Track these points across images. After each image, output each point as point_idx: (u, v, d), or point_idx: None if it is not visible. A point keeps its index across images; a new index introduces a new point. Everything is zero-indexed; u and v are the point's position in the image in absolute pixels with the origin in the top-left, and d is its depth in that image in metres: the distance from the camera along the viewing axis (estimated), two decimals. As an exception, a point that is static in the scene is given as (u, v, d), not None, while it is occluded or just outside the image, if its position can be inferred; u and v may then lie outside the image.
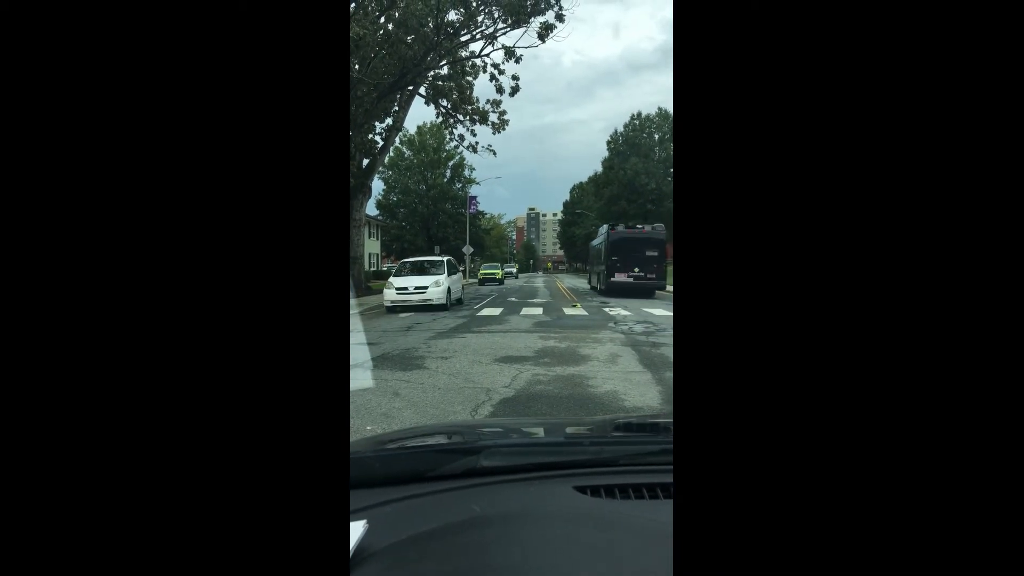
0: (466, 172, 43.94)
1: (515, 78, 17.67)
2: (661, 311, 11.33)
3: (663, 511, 0.67)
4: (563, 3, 16.66)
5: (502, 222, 75.61)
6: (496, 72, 17.65)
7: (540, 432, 1.29)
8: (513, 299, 17.19)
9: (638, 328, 8.76)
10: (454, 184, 43.87)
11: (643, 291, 16.82)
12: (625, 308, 12.35)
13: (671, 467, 0.53)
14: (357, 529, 0.63)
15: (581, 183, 66.29)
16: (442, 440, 1.15)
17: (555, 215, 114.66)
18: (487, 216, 58.50)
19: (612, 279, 17.07)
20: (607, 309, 12.03)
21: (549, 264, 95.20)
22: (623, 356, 6.17)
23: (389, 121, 18.36)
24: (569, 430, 1.34)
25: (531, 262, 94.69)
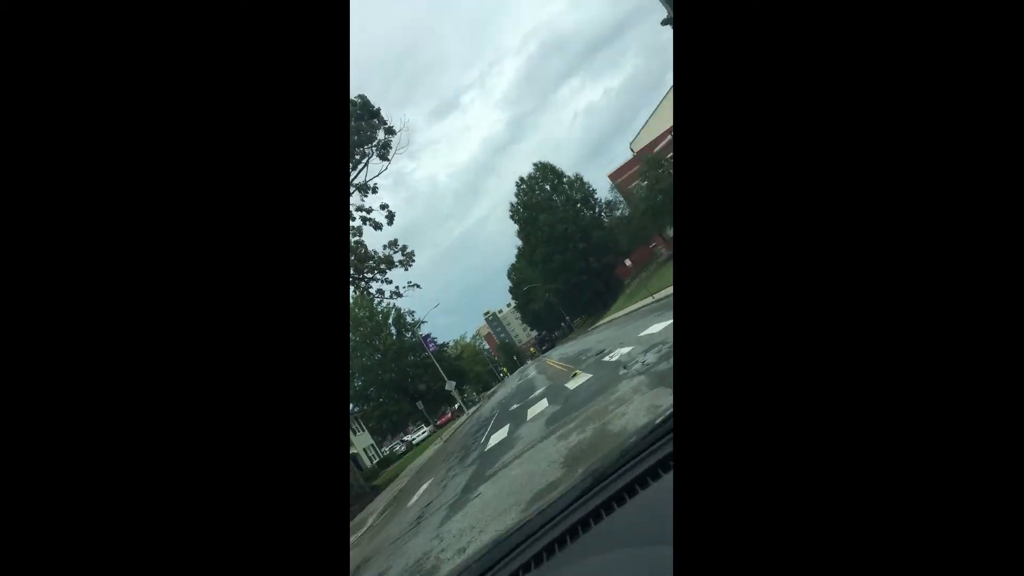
0: (408, 319, 42.93)
1: (384, 207, 17.06)
2: (656, 327, 9.98)
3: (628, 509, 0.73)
4: (385, 120, 16.44)
5: (468, 340, 74.19)
6: (364, 216, 17.04)
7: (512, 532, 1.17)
8: (515, 406, 15.58)
9: (650, 358, 7.33)
10: (403, 336, 42.62)
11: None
12: (621, 343, 10.95)
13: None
14: None
15: (513, 264, 66.49)
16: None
17: (509, 305, 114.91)
18: (451, 345, 57.18)
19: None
20: (606, 357, 10.58)
21: (532, 349, 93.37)
22: (659, 395, 4.73)
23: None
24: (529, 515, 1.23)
25: (515, 358, 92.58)
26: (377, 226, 17.41)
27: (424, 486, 10.41)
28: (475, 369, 66.38)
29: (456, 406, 31.80)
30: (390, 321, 42.14)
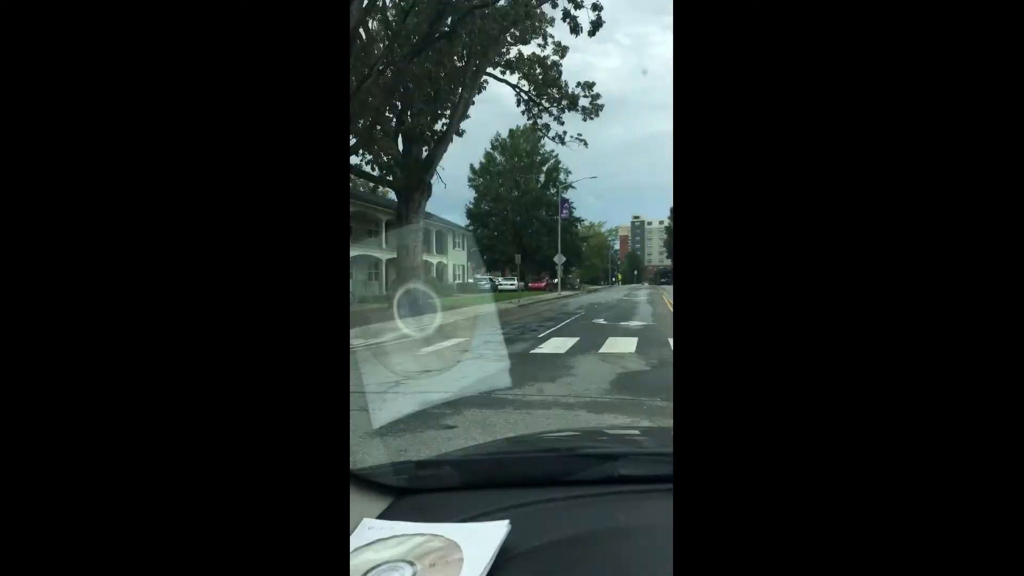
0: (561, 176, 40.44)
1: (596, 8, 13.61)
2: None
3: None
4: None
5: (603, 230, 71.14)
6: (572, 6, 13.69)
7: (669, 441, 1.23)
8: (601, 320, 13.28)
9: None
10: (548, 189, 40.50)
11: None
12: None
13: None
14: (500, 529, 0.63)
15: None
16: (580, 443, 1.15)
17: (661, 222, 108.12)
18: (585, 223, 54.53)
19: None
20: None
21: (654, 275, 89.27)
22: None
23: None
24: None
25: (635, 273, 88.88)
26: (575, 28, 14.14)
27: (449, 342, 8.71)
28: (593, 260, 64.14)
29: (555, 280, 30.29)
30: (545, 168, 39.89)
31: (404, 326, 10.32)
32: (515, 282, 34.06)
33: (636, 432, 1.98)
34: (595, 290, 42.41)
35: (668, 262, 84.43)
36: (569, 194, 39.15)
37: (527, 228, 38.49)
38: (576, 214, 40.34)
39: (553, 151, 40.06)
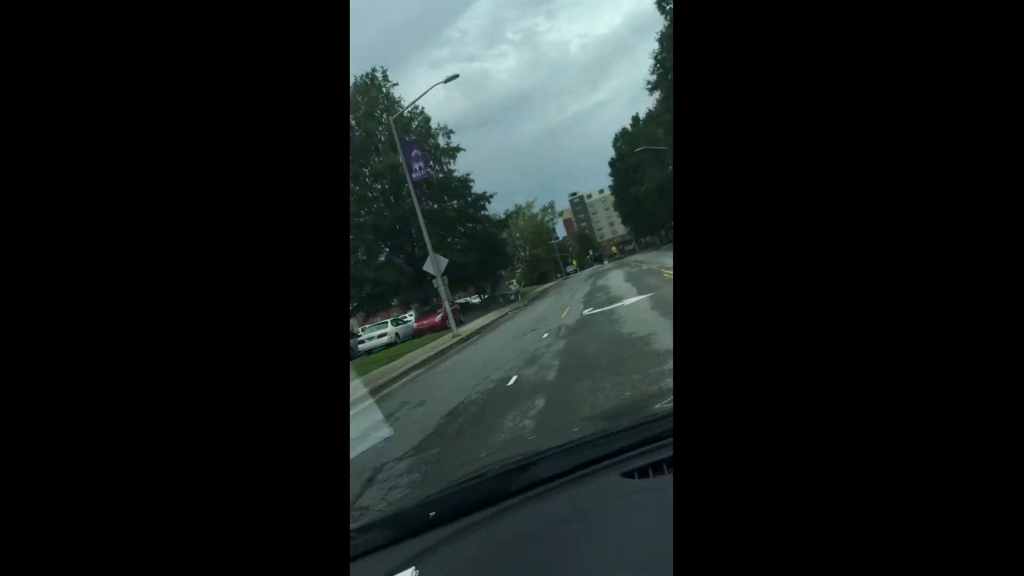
0: (441, 136, 26.69)
1: None
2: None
3: None
4: None
5: (535, 211, 53.83)
6: None
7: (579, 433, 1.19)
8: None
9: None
10: (433, 165, 26.54)
11: None
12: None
13: None
14: None
15: (625, 129, 48.19)
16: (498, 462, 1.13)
17: (601, 192, 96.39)
18: (509, 211, 40.73)
19: None
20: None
21: (614, 248, 75.79)
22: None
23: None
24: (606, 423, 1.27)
25: (590, 253, 75.96)
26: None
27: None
28: (534, 252, 50.36)
29: (451, 307, 15.89)
30: (412, 135, 26.03)
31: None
32: (404, 321, 19.93)
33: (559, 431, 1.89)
34: (543, 292, 29.11)
35: (622, 229, 71.74)
36: (487, 184, 25.10)
37: (405, 234, 24.47)
38: (478, 189, 26.55)
39: (419, 108, 26.35)
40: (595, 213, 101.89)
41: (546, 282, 44.23)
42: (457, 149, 26.46)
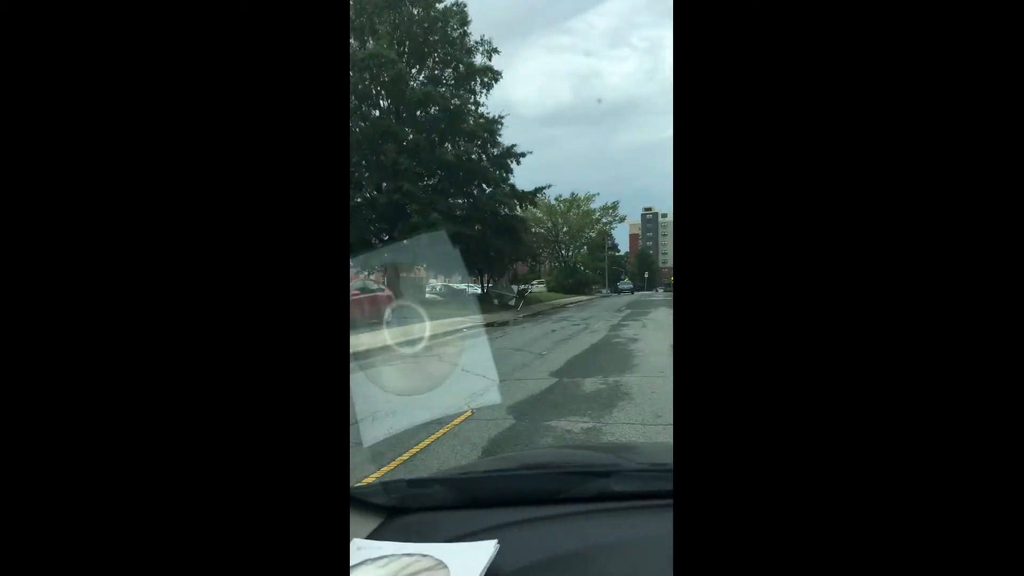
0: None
1: None
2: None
3: None
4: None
5: (591, 207, 41.95)
6: None
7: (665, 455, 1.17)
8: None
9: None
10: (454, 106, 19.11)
11: None
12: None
13: None
14: (488, 549, 0.63)
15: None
16: (572, 460, 1.14)
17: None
18: (555, 198, 32.85)
19: None
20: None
21: (672, 278, 66.41)
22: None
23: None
24: None
25: (644, 276, 66.96)
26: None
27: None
28: (580, 253, 41.91)
29: (366, 294, 8.32)
30: (435, 36, 18.60)
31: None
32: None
33: (630, 447, 1.97)
34: (562, 306, 21.74)
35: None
36: (561, 183, 17.72)
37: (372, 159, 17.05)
38: (544, 180, 18.85)
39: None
40: (665, 235, 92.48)
41: (583, 293, 36.21)
42: (495, 75, 18.87)
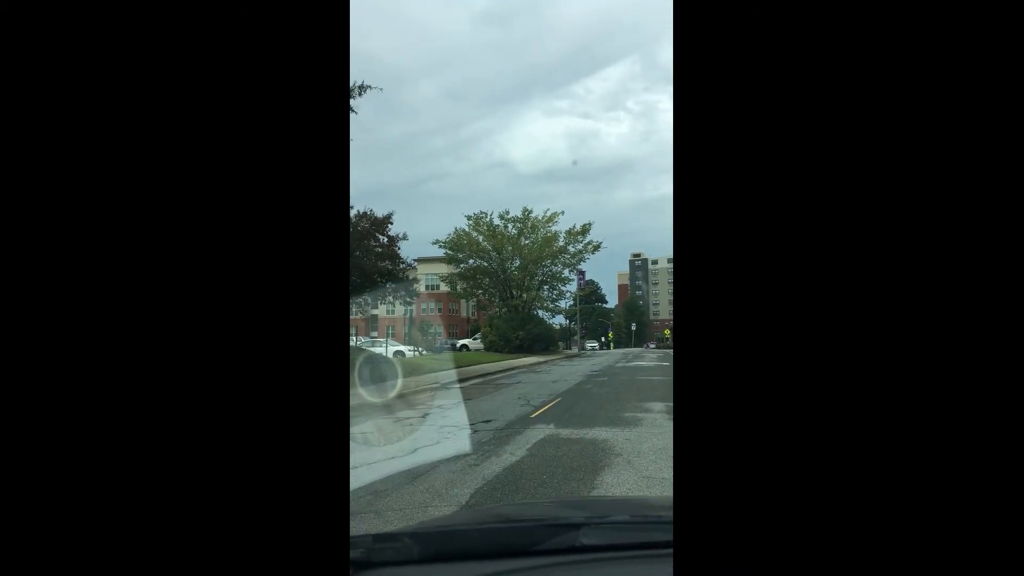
0: None
1: None
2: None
3: None
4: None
5: (555, 228, 29.13)
6: None
7: (637, 509, 1.25)
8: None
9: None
10: None
11: None
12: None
13: None
14: None
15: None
16: (541, 514, 1.17)
17: (671, 261, 77.54)
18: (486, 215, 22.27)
19: None
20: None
21: (667, 332, 55.44)
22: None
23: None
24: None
25: (632, 327, 55.97)
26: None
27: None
28: (528, 295, 29.46)
29: None
30: None
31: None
32: None
33: (599, 501, 2.07)
34: (439, 389, 11.91)
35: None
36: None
37: None
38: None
39: None
40: (656, 283, 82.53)
41: (539, 353, 25.03)
42: None
